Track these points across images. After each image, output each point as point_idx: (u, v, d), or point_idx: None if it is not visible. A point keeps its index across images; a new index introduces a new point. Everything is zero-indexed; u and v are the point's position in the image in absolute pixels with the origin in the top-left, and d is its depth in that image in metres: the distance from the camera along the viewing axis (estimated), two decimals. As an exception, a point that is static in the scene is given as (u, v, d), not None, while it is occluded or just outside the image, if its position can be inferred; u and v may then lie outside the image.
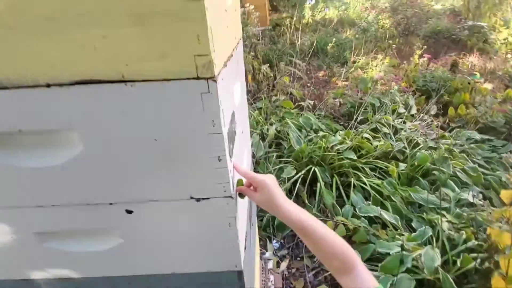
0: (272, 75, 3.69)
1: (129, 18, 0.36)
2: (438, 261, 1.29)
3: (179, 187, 0.47)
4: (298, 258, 1.85)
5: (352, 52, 5.39)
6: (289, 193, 2.14)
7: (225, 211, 0.50)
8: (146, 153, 0.45)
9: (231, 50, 0.56)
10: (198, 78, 0.39)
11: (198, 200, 0.48)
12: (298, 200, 2.16)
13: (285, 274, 1.76)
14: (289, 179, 2.17)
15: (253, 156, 2.42)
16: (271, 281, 1.22)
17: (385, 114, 2.85)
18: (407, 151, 2.31)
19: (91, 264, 0.57)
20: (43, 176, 0.46)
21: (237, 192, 0.55)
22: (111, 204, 0.48)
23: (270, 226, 2.02)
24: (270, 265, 1.30)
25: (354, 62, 5.04)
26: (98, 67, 0.39)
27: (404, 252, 1.40)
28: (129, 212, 0.50)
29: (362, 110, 2.90)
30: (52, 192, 0.48)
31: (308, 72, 5.26)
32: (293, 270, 1.78)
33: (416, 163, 2.19)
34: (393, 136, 2.57)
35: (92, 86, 0.39)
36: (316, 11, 8.27)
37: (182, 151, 0.44)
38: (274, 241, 1.98)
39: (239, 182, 0.56)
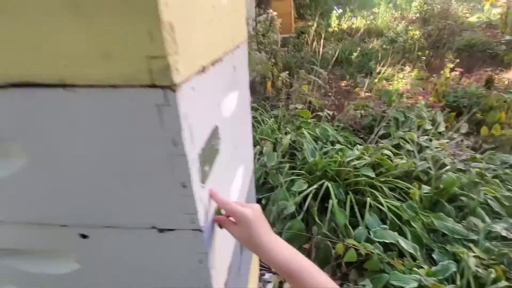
0: (290, 83, 3.59)
1: (67, 9, 0.29)
2: (462, 305, 1.13)
3: (138, 214, 0.39)
4: (304, 280, 1.72)
5: (378, 63, 5.18)
6: (299, 207, 2.02)
7: (193, 246, 0.41)
8: (98, 171, 0.37)
9: (219, 53, 0.47)
10: (153, 86, 0.31)
11: (161, 230, 0.40)
12: (308, 216, 2.03)
13: (287, 297, 1.64)
14: (300, 192, 2.06)
15: (267, 172, 2.33)
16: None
17: (410, 130, 2.66)
18: (432, 172, 2.11)
19: (48, 286, 0.51)
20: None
21: (215, 223, 0.46)
22: (62, 226, 0.41)
23: (276, 242, 1.92)
24: (270, 287, 1.20)
25: (379, 73, 4.84)
26: (34, 67, 0.32)
27: (422, 289, 1.24)
28: (84, 236, 0.42)
29: (384, 124, 2.73)
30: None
31: (330, 82, 5.12)
32: (297, 293, 1.66)
33: (441, 186, 1.99)
34: (417, 155, 2.38)
35: (29, 89, 0.33)
36: (343, 20, 8.12)
37: (138, 172, 0.36)
38: (279, 258, 1.87)
39: (218, 211, 0.47)
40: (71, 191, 0.39)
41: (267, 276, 1.23)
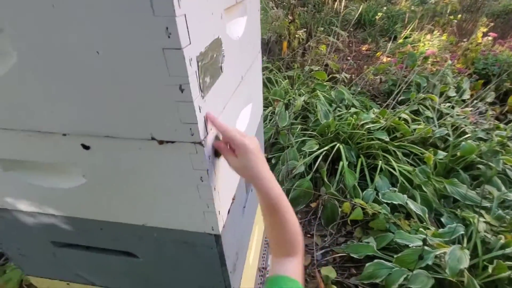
0: (308, 44, 3.41)
1: None
2: (465, 263, 1.12)
3: (137, 123, 0.37)
4: (309, 235, 1.76)
5: (404, 26, 4.81)
6: (308, 168, 2.01)
7: (194, 161, 0.39)
8: (90, 70, 0.34)
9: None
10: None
11: (160, 142, 0.38)
12: (317, 177, 2.03)
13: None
14: (310, 153, 2.03)
15: (277, 129, 2.29)
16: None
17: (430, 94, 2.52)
18: (450, 139, 2.03)
19: (61, 202, 0.52)
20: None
21: (213, 149, 0.44)
22: (64, 135, 0.40)
23: (283, 200, 1.94)
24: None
25: (405, 38, 4.51)
26: None
27: (426, 247, 1.24)
28: (86, 147, 0.41)
29: (404, 89, 2.59)
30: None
31: (350, 45, 4.84)
32: (301, 247, 1.70)
33: (458, 154, 1.92)
34: (436, 121, 2.27)
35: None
36: (369, -22, 7.46)
37: (131, 70, 0.33)
38: (286, 215, 1.90)
39: (217, 137, 0.45)
40: (64, 93, 0.37)
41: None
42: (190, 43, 0.32)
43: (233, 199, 0.57)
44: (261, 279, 1.06)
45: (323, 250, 1.66)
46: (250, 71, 0.63)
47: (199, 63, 0.34)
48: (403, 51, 3.44)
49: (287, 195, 1.93)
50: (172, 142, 0.38)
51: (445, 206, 1.70)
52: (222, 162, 0.46)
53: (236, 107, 0.55)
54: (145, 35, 0.31)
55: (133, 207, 0.49)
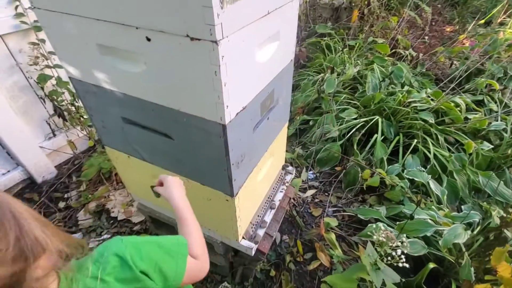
0: (379, 13, 3.20)
1: None
2: (461, 239, 1.15)
3: (179, 23, 0.54)
4: (326, 194, 1.89)
5: (504, 11, 4.10)
6: (342, 136, 2.07)
7: (211, 57, 0.55)
8: None
9: None
10: None
11: (192, 39, 0.55)
12: (347, 145, 2.08)
13: (308, 200, 1.85)
14: (348, 121, 2.07)
15: (319, 93, 2.33)
16: (283, 188, 1.31)
17: (505, 89, 2.27)
18: (506, 135, 1.87)
19: (130, 83, 0.74)
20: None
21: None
22: (137, 28, 0.60)
23: (311, 158, 2.06)
24: (289, 177, 1.38)
25: (501, 24, 3.87)
26: None
27: (429, 221, 1.29)
28: (148, 39, 0.61)
29: (474, 76, 2.36)
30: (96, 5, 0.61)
31: (433, 24, 4.35)
32: (317, 200, 1.85)
33: (509, 152, 1.78)
34: (500, 116, 2.07)
35: None
36: None
37: None
38: (311, 172, 2.03)
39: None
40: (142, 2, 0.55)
41: (290, 168, 1.40)
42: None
43: (243, 108, 0.73)
44: (267, 204, 1.26)
45: (335, 208, 1.78)
46: (280, 12, 0.74)
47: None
48: (485, 34, 3.01)
49: (316, 155, 2.04)
50: (199, 39, 0.55)
51: (473, 198, 1.65)
52: (234, 72, 0.61)
53: (258, 36, 0.68)
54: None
55: (172, 93, 0.69)
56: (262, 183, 1.14)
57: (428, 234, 1.25)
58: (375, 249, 0.79)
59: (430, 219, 1.28)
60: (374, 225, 1.40)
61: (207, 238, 1.15)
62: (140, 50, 0.65)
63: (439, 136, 1.86)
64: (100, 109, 0.92)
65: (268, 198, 1.28)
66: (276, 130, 1.11)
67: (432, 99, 2.04)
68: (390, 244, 0.73)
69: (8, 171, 2.05)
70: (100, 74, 0.78)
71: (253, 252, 1.07)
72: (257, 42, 0.70)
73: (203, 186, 0.91)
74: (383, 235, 0.74)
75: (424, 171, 1.67)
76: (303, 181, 1.95)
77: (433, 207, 1.41)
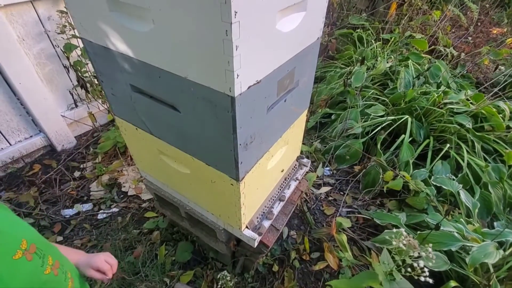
0: (420, 6, 2.95)
1: None
2: (491, 259, 1.02)
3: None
4: (341, 193, 1.78)
5: None
6: (365, 133, 1.93)
7: (222, 12, 0.47)
8: None
9: None
10: None
11: None
12: (372, 144, 1.94)
13: (321, 197, 1.75)
14: (373, 119, 1.93)
15: (345, 85, 2.19)
16: (295, 180, 1.23)
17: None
18: (555, 149, 1.66)
19: (137, 45, 0.68)
20: None
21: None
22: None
23: (329, 154, 1.95)
24: (303, 170, 1.29)
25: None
26: None
27: (456, 234, 1.15)
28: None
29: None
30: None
31: (478, 24, 3.99)
32: (330, 199, 1.74)
33: (557, 168, 1.58)
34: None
35: None
36: None
37: None
38: (327, 168, 1.93)
39: None
40: None
41: (305, 160, 1.31)
42: None
43: (257, 81, 0.65)
44: (276, 195, 1.18)
45: (349, 209, 1.67)
46: None
47: None
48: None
49: (335, 151, 1.92)
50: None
51: (508, 215, 1.48)
52: (249, 36, 0.53)
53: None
54: None
55: (180, 57, 0.62)
56: (272, 172, 1.06)
57: (453, 248, 1.12)
58: (392, 257, 0.69)
59: (457, 232, 1.14)
60: (394, 230, 1.29)
61: (210, 223, 1.09)
62: (148, 4, 0.58)
63: (475, 143, 1.68)
64: (109, 75, 0.87)
65: (278, 189, 1.20)
66: (293, 116, 1.02)
67: (471, 103, 1.85)
68: (411, 254, 0.63)
69: (31, 136, 2.11)
70: (108, 34, 0.72)
71: (256, 244, 1.00)
72: (279, 5, 0.61)
73: (208, 166, 0.85)
74: (404, 241, 0.64)
75: (454, 180, 1.52)
76: (318, 176, 1.84)
77: (461, 219, 1.26)
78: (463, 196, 1.36)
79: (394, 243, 0.65)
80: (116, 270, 0.81)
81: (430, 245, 0.65)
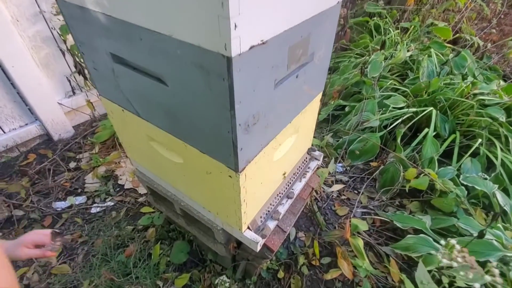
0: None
1: None
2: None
3: None
4: (356, 192, 1.61)
5: None
6: (383, 127, 1.76)
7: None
8: None
9: None
10: None
11: None
12: (390, 138, 1.77)
13: (333, 196, 1.59)
14: (392, 110, 1.75)
15: (362, 74, 2.01)
16: (305, 175, 1.08)
17: None
18: None
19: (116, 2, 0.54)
20: None
21: None
22: None
23: (342, 149, 1.78)
24: (314, 164, 1.14)
25: None
26: None
27: (495, 242, 0.98)
28: None
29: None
30: None
31: (502, 16, 3.73)
32: (343, 198, 1.58)
33: None
34: None
35: None
36: None
37: None
38: (340, 164, 1.76)
39: None
40: None
41: (317, 153, 1.16)
42: None
43: (263, 42, 0.50)
44: (283, 192, 1.02)
45: (364, 209, 1.50)
46: None
47: None
48: None
49: (349, 146, 1.75)
50: None
51: (550, 221, 1.29)
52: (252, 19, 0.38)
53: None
54: None
55: (162, 8, 0.47)
56: (279, 164, 0.90)
57: (492, 260, 0.95)
58: (435, 274, 0.53)
59: (496, 240, 0.97)
60: (415, 238, 1.12)
61: (207, 222, 0.94)
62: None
63: (510, 139, 1.49)
64: (89, 44, 0.73)
65: (286, 184, 1.05)
66: (306, 97, 0.86)
67: (502, 93, 1.65)
68: (463, 273, 0.47)
69: (26, 124, 2.00)
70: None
71: (259, 248, 0.85)
72: None
73: (202, 154, 0.70)
74: (459, 257, 0.48)
75: (488, 179, 1.34)
76: (329, 173, 1.68)
77: (498, 225, 1.09)
78: (500, 198, 1.18)
79: (439, 256, 0.49)
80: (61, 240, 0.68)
81: (495, 264, 0.49)
